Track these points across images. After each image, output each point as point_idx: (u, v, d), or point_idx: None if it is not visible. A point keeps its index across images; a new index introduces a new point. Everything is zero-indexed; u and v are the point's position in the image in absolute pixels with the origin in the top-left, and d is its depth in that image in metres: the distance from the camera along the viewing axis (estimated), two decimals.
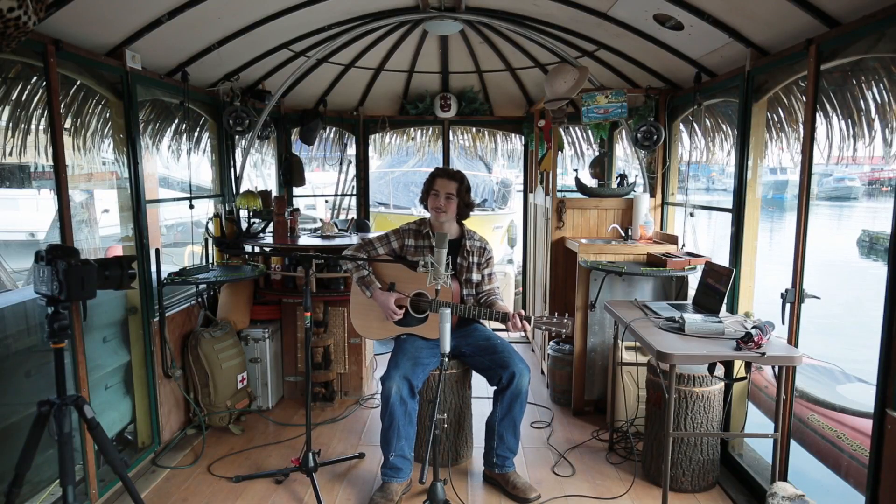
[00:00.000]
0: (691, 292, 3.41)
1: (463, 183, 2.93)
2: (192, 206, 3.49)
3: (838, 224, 20.89)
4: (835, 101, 2.46)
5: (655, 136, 3.67)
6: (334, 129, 5.14)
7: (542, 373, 4.37)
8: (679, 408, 2.77)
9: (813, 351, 3.61)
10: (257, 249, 3.88)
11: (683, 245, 3.65)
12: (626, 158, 4.71)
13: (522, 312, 2.70)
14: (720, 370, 2.82)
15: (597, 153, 4.98)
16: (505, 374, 2.77)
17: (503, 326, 2.77)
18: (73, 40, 2.49)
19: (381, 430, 2.78)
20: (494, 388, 2.86)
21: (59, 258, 1.92)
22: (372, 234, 3.18)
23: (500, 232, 10.64)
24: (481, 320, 3.17)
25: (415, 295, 2.88)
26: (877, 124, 2.30)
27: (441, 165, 5.35)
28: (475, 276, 3.00)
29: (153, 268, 3.06)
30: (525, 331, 2.72)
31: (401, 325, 2.91)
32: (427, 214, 3.05)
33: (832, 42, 2.29)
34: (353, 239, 3.87)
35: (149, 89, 3.16)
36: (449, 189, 2.90)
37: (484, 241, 3.07)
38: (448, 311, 2.35)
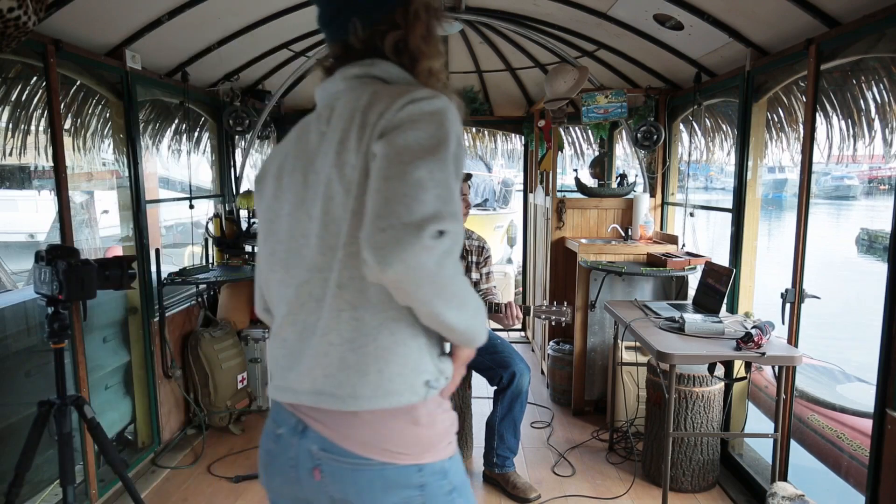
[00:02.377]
0: (691, 292, 3.41)
1: (468, 182, 2.98)
2: (192, 207, 3.50)
3: (837, 223, 20.89)
4: (835, 101, 2.46)
5: (655, 136, 3.67)
6: None
7: (542, 373, 4.37)
8: (679, 408, 2.77)
9: (812, 351, 3.61)
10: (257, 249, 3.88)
11: (683, 245, 3.65)
12: (626, 158, 4.71)
13: (518, 303, 2.72)
14: (720, 370, 2.82)
15: (597, 153, 4.98)
16: (505, 374, 2.77)
17: (503, 326, 2.77)
18: (73, 40, 2.49)
19: None
20: (495, 387, 2.86)
21: (60, 258, 1.92)
22: None
23: (500, 231, 10.65)
24: None
25: None
26: (877, 124, 2.30)
27: None
28: (474, 276, 3.00)
29: (153, 268, 3.06)
30: (519, 318, 2.73)
31: None
32: None
33: (832, 42, 2.29)
34: None
35: (149, 89, 3.16)
36: (464, 190, 2.93)
37: (482, 241, 3.07)
38: None
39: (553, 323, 2.71)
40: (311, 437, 1.00)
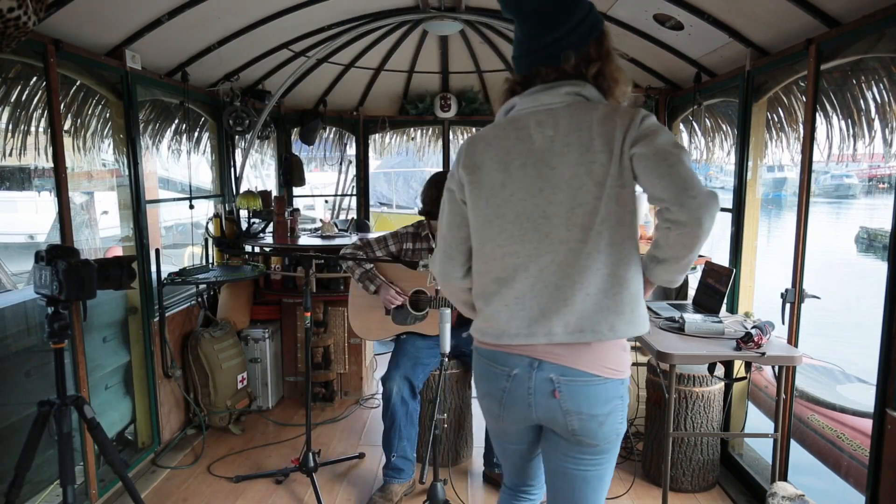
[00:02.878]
0: (691, 292, 3.40)
1: None
2: (192, 207, 3.49)
3: (836, 221, 20.89)
4: (835, 101, 2.46)
5: None
6: (334, 129, 5.14)
7: None
8: (679, 408, 2.77)
9: (812, 351, 3.61)
10: (257, 249, 3.88)
11: None
12: None
13: None
14: (720, 370, 2.82)
15: None
16: None
17: None
18: (73, 40, 2.49)
19: (382, 431, 2.78)
20: None
21: (59, 258, 1.92)
22: (370, 236, 3.18)
23: None
24: None
25: (414, 293, 2.88)
26: (877, 124, 2.30)
27: (441, 167, 5.35)
28: None
29: (153, 268, 3.06)
30: None
31: (400, 323, 2.91)
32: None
33: (832, 42, 2.29)
34: (353, 239, 3.87)
35: (149, 89, 3.16)
36: None
37: None
38: (448, 311, 2.35)
39: None
40: (547, 369, 1.40)
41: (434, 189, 2.89)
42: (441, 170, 3.13)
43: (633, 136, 1.31)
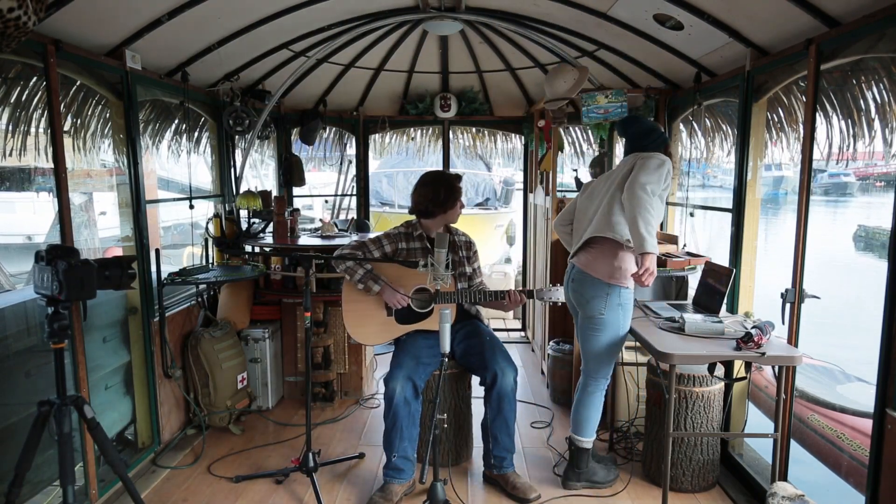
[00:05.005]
0: (691, 292, 3.41)
1: (459, 183, 2.98)
2: (191, 207, 3.49)
3: (833, 219, 20.89)
4: (835, 101, 2.46)
5: None
6: (334, 129, 5.14)
7: (542, 373, 4.37)
8: (679, 408, 2.77)
9: (812, 351, 3.61)
10: (257, 249, 3.88)
11: (684, 245, 3.65)
12: None
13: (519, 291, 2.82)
14: (720, 370, 2.82)
15: (597, 153, 4.97)
16: (488, 375, 2.78)
17: (503, 326, 2.77)
18: (73, 40, 2.49)
19: (383, 431, 2.78)
20: (484, 388, 2.87)
21: (59, 258, 1.91)
22: (365, 237, 3.18)
23: (500, 231, 10.67)
24: (481, 316, 3.19)
25: (415, 291, 2.88)
26: (877, 124, 2.30)
27: (441, 166, 5.35)
28: (467, 270, 3.01)
29: (153, 268, 3.06)
30: (524, 303, 2.92)
31: (403, 322, 2.90)
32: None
33: (832, 42, 2.29)
34: (353, 239, 3.86)
35: (149, 89, 3.16)
36: (458, 192, 2.94)
37: (467, 236, 3.09)
38: (448, 311, 2.35)
39: (560, 304, 2.82)
40: (575, 269, 2.73)
41: (429, 188, 2.88)
42: (432, 169, 3.11)
43: (635, 169, 2.55)
